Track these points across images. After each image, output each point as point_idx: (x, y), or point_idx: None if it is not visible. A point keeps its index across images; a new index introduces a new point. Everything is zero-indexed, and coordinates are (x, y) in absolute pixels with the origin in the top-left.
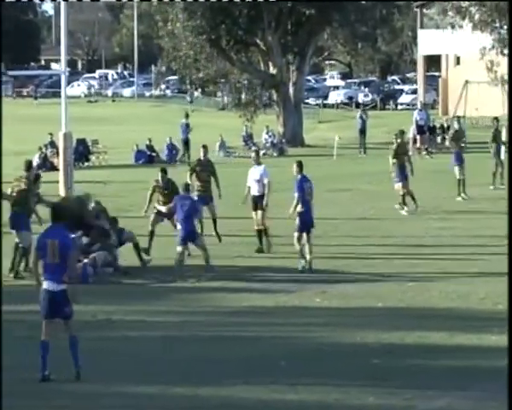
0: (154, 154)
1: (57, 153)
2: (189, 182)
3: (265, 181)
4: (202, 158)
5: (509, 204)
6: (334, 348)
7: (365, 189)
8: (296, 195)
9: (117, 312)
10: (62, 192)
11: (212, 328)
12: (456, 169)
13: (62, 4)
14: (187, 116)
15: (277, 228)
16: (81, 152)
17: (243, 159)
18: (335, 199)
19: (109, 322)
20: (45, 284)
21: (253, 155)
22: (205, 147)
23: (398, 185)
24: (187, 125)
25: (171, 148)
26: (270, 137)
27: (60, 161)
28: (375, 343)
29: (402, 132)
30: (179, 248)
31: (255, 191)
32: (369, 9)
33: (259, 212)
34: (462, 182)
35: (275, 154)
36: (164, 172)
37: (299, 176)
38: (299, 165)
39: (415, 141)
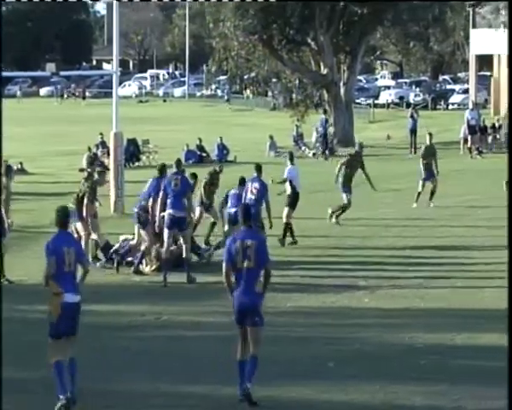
0: (204, 154)
1: (108, 153)
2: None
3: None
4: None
5: (509, 205)
6: (383, 349)
7: (415, 189)
8: None
9: (165, 311)
10: (113, 192)
11: None
12: None
13: (115, 4)
14: (325, 112)
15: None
16: (132, 152)
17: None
18: (385, 199)
19: (158, 322)
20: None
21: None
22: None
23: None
24: (326, 121)
25: (222, 147)
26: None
27: (110, 161)
28: (424, 344)
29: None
30: None
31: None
32: (421, 8)
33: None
34: None
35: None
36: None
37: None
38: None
39: (466, 141)
